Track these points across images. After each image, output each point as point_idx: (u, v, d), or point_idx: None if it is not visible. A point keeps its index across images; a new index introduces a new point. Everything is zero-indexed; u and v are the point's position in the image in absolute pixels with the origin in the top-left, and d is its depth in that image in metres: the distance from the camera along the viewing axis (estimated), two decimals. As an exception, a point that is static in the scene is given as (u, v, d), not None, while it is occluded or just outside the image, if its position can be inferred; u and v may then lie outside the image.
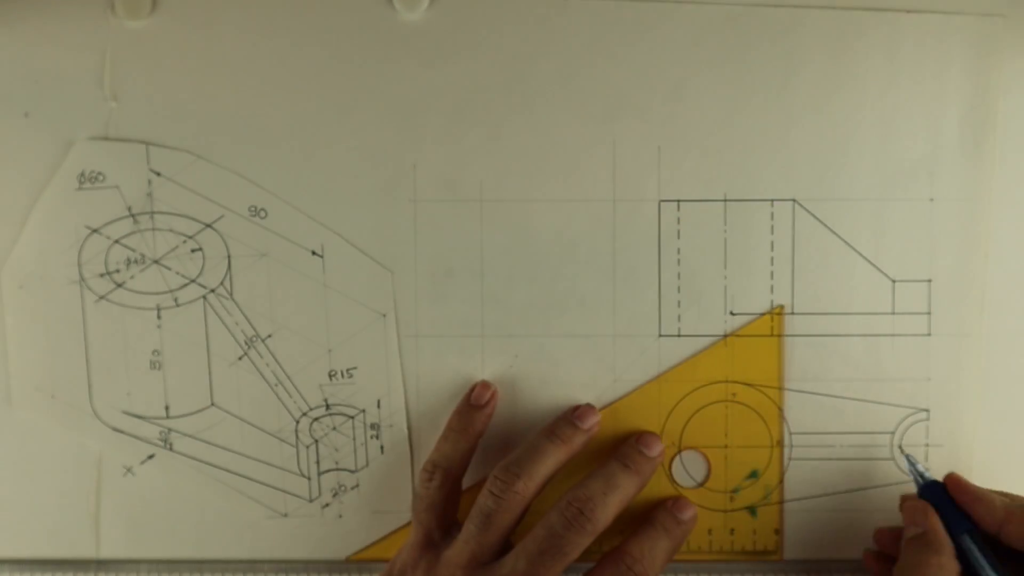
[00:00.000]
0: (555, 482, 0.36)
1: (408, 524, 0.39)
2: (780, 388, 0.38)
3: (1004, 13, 0.37)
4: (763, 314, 0.38)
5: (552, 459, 0.36)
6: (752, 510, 0.39)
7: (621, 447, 0.37)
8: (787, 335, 0.38)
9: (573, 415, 0.37)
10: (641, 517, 0.37)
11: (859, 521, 0.39)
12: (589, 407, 0.38)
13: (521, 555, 0.34)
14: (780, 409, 0.39)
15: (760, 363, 0.38)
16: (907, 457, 0.37)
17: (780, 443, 0.39)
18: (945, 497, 0.35)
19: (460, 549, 0.35)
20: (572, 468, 0.37)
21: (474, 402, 0.38)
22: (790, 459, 0.39)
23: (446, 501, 0.37)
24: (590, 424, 0.37)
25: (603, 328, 0.39)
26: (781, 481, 0.39)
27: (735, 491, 0.39)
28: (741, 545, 0.39)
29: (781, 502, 0.39)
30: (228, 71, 0.38)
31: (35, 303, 0.39)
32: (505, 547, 0.35)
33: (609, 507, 0.35)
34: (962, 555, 0.33)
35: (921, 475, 0.36)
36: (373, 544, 0.40)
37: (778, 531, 0.39)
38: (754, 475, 0.39)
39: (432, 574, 0.35)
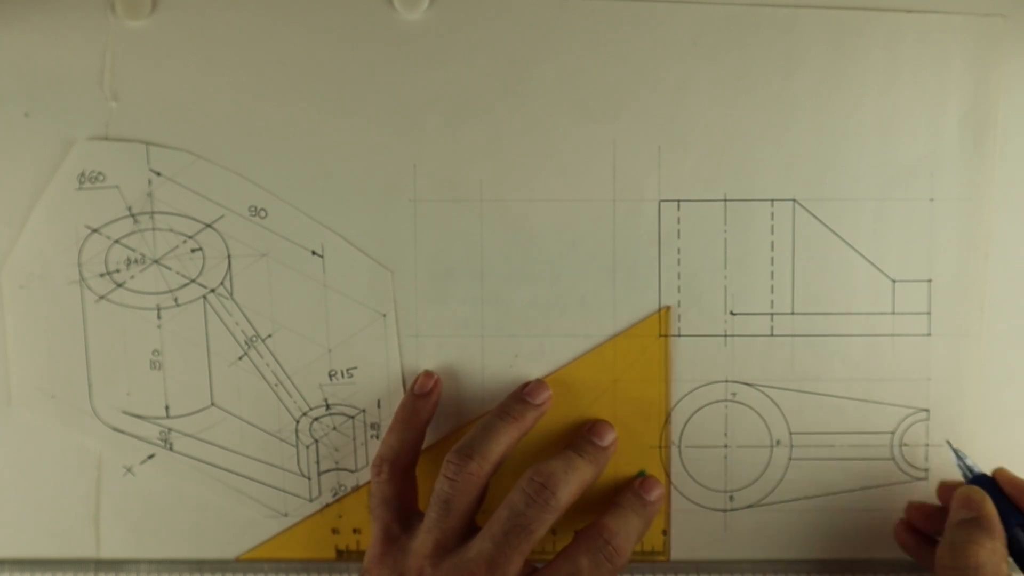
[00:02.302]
0: (516, 468, 0.36)
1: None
2: (666, 384, 0.39)
3: (1004, 13, 0.37)
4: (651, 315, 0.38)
5: (505, 437, 0.36)
6: None
7: (575, 437, 0.38)
8: (784, 335, 0.38)
9: (523, 392, 0.37)
10: (609, 500, 0.37)
11: (859, 521, 0.39)
12: (539, 383, 0.38)
13: (486, 537, 0.34)
14: (667, 413, 0.39)
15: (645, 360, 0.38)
16: (955, 451, 0.37)
17: (663, 445, 0.39)
18: (996, 490, 0.35)
19: (424, 538, 0.35)
20: (535, 452, 0.37)
21: (418, 391, 0.38)
22: (790, 459, 0.39)
23: (399, 494, 0.37)
24: (541, 400, 0.37)
25: (603, 328, 0.39)
26: (669, 480, 0.39)
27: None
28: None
29: (668, 503, 0.39)
30: (228, 71, 0.38)
31: (35, 303, 0.39)
32: (471, 531, 0.35)
33: (571, 485, 0.35)
34: (1011, 550, 0.34)
35: (970, 469, 0.36)
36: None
37: (665, 532, 0.39)
38: (641, 475, 0.39)
39: (400, 566, 0.35)
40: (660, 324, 0.38)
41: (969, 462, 0.37)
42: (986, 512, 0.34)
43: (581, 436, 0.38)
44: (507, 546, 0.33)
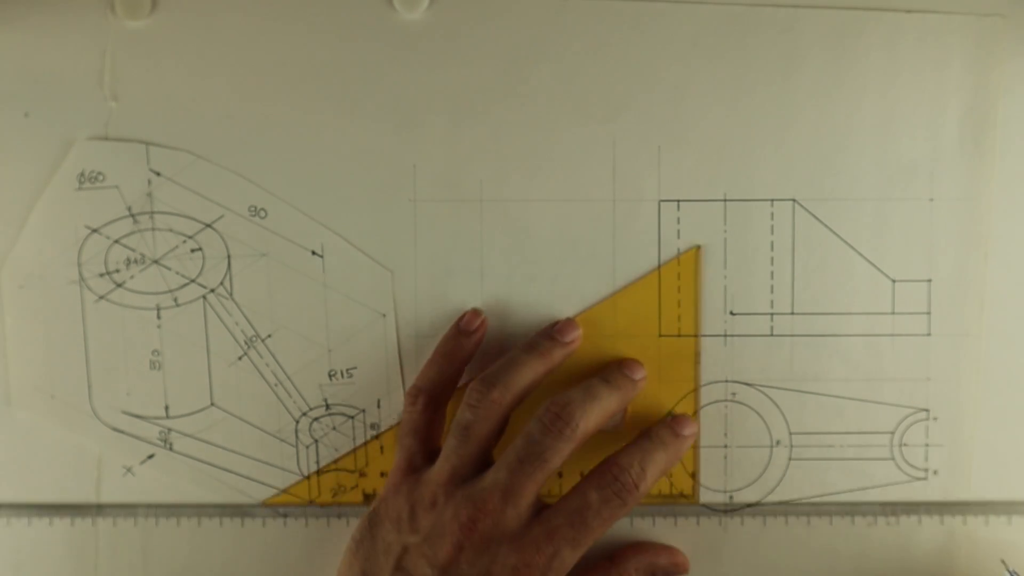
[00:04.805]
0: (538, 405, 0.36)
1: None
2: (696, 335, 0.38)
3: (1004, 13, 0.37)
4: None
5: (529, 370, 0.36)
6: None
7: (604, 368, 0.37)
8: (784, 335, 0.38)
9: (553, 329, 0.37)
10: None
11: (858, 521, 0.39)
12: (570, 321, 0.38)
13: (501, 466, 0.34)
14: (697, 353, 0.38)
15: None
16: (1011, 573, 0.37)
17: (696, 387, 0.38)
18: None
19: (441, 466, 0.35)
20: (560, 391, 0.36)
21: (463, 328, 0.38)
22: (790, 459, 0.39)
23: (429, 425, 0.37)
24: (570, 338, 0.37)
25: (603, 328, 0.39)
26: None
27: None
28: (658, 488, 0.39)
29: (697, 446, 0.39)
30: (228, 71, 0.38)
31: (35, 303, 0.39)
32: (487, 463, 0.35)
33: (589, 415, 0.34)
34: None
35: None
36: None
37: (694, 475, 0.39)
38: (670, 415, 0.39)
39: (414, 495, 0.35)
40: (660, 324, 0.38)
41: None
42: None
43: (612, 367, 0.37)
44: (521, 474, 0.33)
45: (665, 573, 0.37)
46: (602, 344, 0.38)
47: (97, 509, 0.39)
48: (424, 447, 0.36)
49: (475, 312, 0.38)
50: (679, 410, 0.38)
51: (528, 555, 0.33)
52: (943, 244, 0.38)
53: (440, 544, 0.34)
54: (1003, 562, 0.38)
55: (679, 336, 0.38)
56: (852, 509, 0.39)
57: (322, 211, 0.38)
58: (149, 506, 0.39)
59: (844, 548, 0.39)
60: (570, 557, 0.34)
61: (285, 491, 0.39)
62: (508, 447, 0.35)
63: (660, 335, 0.38)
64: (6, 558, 0.39)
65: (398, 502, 0.35)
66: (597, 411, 0.35)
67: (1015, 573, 0.37)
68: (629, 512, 0.34)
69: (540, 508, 0.34)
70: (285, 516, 0.39)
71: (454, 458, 0.35)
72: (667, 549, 0.38)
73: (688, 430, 0.36)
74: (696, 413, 0.38)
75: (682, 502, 0.39)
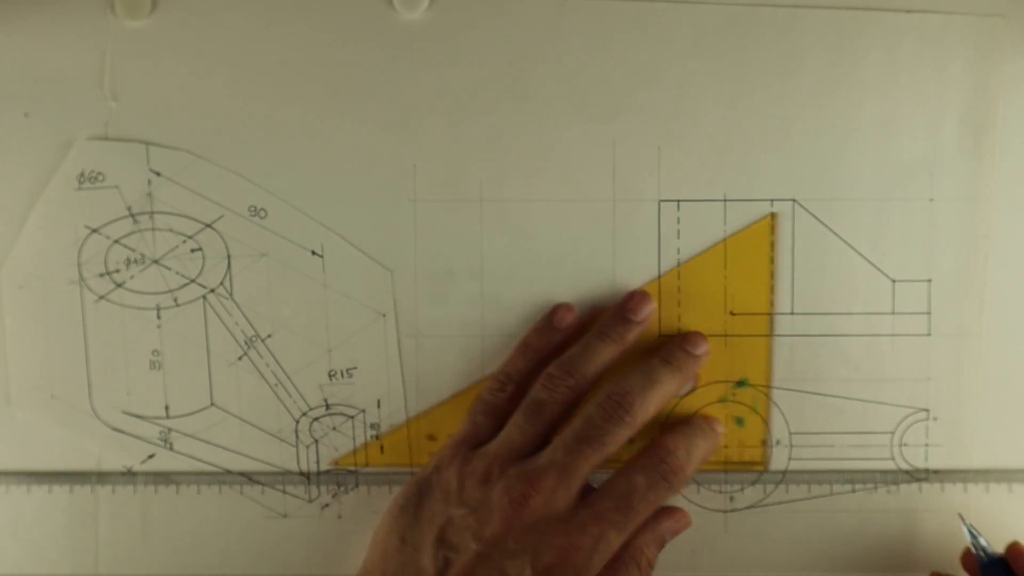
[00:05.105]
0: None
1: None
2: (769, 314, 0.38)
3: (1004, 13, 0.37)
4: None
5: (605, 357, 0.36)
6: (740, 420, 0.39)
7: (665, 344, 0.37)
8: (784, 335, 0.38)
9: (626, 309, 0.37)
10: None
11: (859, 521, 0.39)
12: (643, 296, 0.37)
13: (559, 446, 0.34)
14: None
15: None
16: (969, 529, 0.37)
17: (768, 355, 0.38)
18: (1007, 574, 0.35)
19: (502, 441, 0.35)
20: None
21: (555, 324, 0.38)
22: (790, 459, 0.39)
23: (509, 413, 0.37)
24: (642, 316, 0.37)
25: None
26: (768, 392, 0.39)
27: (722, 401, 0.39)
28: (727, 455, 0.39)
29: (768, 418, 0.39)
30: (228, 71, 0.38)
31: (35, 303, 0.39)
32: (543, 446, 0.35)
33: (648, 402, 0.35)
34: None
35: (984, 550, 0.36)
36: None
37: (764, 442, 0.39)
38: (743, 384, 0.39)
39: (466, 468, 0.35)
40: (660, 324, 0.38)
41: (983, 542, 0.36)
42: None
43: (673, 343, 0.37)
44: (579, 455, 0.34)
45: (672, 533, 0.37)
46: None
47: (97, 477, 0.39)
48: (494, 429, 0.37)
49: (568, 308, 0.38)
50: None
51: (575, 537, 0.33)
52: (943, 244, 0.38)
53: (488, 518, 0.34)
54: (960, 516, 0.38)
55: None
56: (852, 477, 0.39)
57: (322, 211, 0.38)
58: (148, 474, 0.40)
59: (843, 547, 0.39)
60: (616, 540, 0.34)
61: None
62: (567, 427, 0.35)
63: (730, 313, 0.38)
64: (5, 525, 0.39)
65: (451, 473, 0.35)
66: (657, 397, 0.35)
67: (972, 528, 0.37)
68: (674, 496, 0.35)
69: (587, 491, 0.35)
70: (284, 485, 0.39)
71: (517, 434, 0.35)
72: (669, 511, 0.37)
73: (720, 427, 0.37)
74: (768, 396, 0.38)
75: (755, 469, 0.39)
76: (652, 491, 0.34)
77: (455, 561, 0.34)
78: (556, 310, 0.38)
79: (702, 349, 0.37)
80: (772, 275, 0.38)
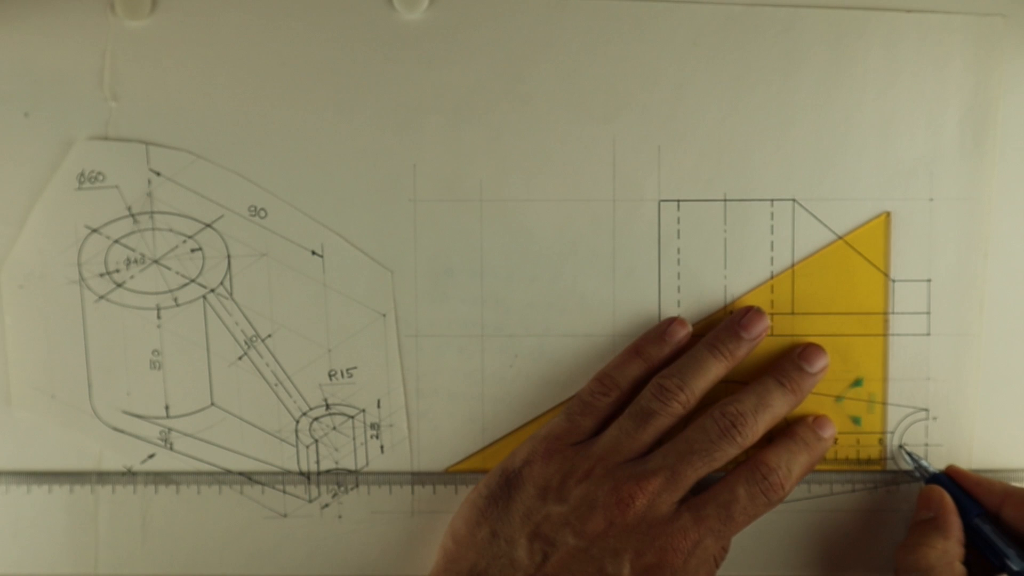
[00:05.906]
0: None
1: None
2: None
3: (1004, 13, 0.37)
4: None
5: (715, 373, 0.37)
6: (856, 419, 0.39)
7: (781, 361, 0.38)
8: (788, 335, 0.38)
9: (739, 325, 0.37)
10: (779, 430, 0.37)
11: (859, 521, 0.39)
12: (758, 312, 0.37)
13: (671, 452, 0.35)
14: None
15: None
16: (909, 454, 0.38)
17: (884, 354, 0.38)
18: (953, 486, 0.36)
19: (607, 443, 0.36)
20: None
21: (668, 337, 0.38)
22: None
23: (608, 416, 0.37)
24: (755, 334, 0.37)
25: (603, 328, 0.39)
26: (884, 389, 0.39)
27: (838, 399, 0.39)
28: (844, 455, 0.39)
29: (885, 415, 0.39)
30: (228, 71, 0.38)
31: (35, 303, 0.39)
32: (647, 453, 0.36)
33: (760, 424, 0.36)
34: (972, 540, 0.35)
35: (926, 469, 0.37)
36: (473, 455, 0.39)
37: (882, 441, 0.39)
38: (858, 383, 0.39)
39: (567, 465, 0.35)
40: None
41: (924, 463, 0.38)
42: (943, 510, 0.35)
43: (789, 360, 0.37)
44: (689, 465, 0.35)
45: None
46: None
47: (97, 477, 0.39)
48: (594, 431, 0.37)
49: (681, 323, 0.38)
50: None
51: (676, 539, 0.34)
52: (943, 244, 0.38)
53: (590, 516, 0.34)
54: (902, 447, 0.38)
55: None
56: (852, 477, 0.39)
57: (322, 211, 0.38)
58: (148, 473, 0.40)
59: (842, 547, 0.39)
60: (712, 547, 0.35)
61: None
62: (680, 436, 0.35)
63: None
64: (5, 525, 0.39)
65: (549, 469, 0.36)
66: (767, 420, 0.36)
67: (913, 454, 0.38)
68: (771, 510, 0.35)
69: (685, 498, 0.35)
70: (284, 485, 0.39)
71: (626, 440, 0.35)
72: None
73: (828, 432, 0.37)
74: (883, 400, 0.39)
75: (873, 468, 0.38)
76: (752, 504, 0.35)
77: (552, 555, 0.34)
78: (670, 323, 0.38)
79: (819, 366, 0.37)
80: (886, 275, 0.38)
